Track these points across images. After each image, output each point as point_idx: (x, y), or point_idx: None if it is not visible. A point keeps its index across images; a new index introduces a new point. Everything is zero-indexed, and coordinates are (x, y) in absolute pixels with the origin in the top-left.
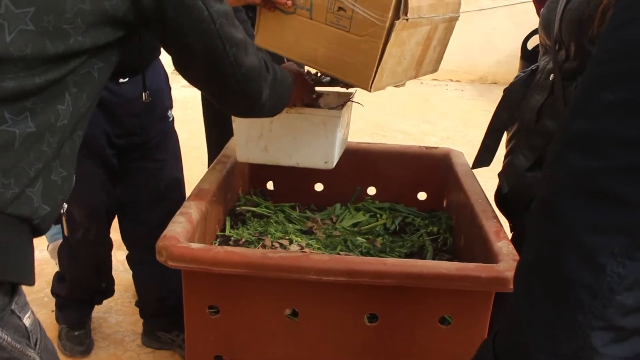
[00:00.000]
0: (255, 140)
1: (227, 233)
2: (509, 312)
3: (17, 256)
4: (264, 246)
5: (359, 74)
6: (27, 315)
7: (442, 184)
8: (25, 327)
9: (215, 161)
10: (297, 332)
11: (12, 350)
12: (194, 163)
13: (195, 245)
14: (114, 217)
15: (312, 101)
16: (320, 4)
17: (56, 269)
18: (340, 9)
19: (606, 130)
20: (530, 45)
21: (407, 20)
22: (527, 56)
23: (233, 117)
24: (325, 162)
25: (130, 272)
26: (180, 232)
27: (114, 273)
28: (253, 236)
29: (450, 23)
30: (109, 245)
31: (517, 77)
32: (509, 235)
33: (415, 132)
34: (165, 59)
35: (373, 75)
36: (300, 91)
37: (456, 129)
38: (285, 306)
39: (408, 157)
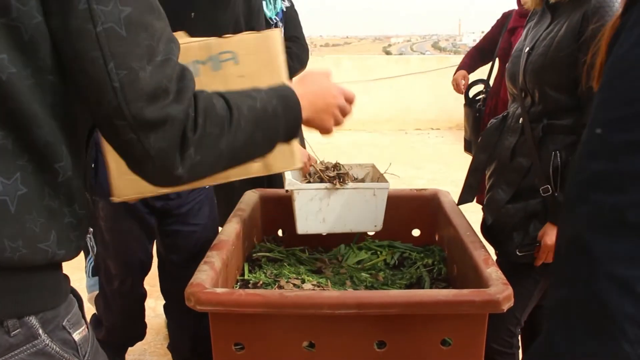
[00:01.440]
0: (314, 214)
1: (246, 277)
2: (544, 348)
3: (39, 288)
4: (279, 287)
5: None
6: (78, 331)
7: (433, 220)
8: (74, 341)
9: (231, 214)
10: None
11: (60, 358)
12: None
13: (219, 290)
14: (149, 271)
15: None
16: None
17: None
18: None
19: (628, 167)
20: (471, 94)
21: None
22: (470, 103)
23: (294, 196)
24: (375, 226)
25: (161, 317)
26: (206, 279)
27: (146, 319)
28: (269, 278)
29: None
30: (143, 296)
31: (490, 122)
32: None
33: (405, 176)
34: None
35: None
36: (329, 103)
37: (440, 171)
38: (303, 339)
39: (401, 199)
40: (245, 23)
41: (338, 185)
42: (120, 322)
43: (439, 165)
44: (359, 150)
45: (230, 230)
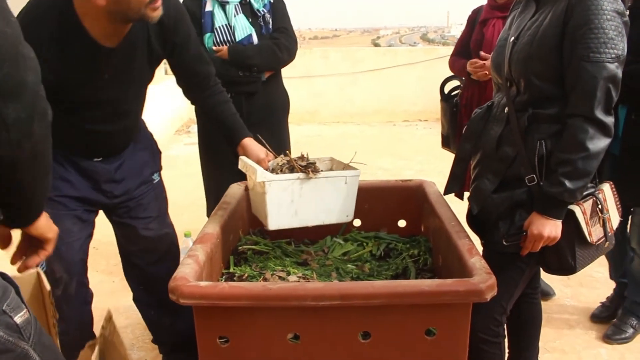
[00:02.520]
0: (286, 206)
1: (231, 270)
2: None
3: None
4: (265, 279)
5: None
6: (19, 315)
7: (418, 211)
8: (17, 324)
9: (216, 207)
10: (300, 353)
11: (5, 342)
12: (200, 211)
13: (203, 283)
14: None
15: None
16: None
17: None
18: None
19: None
20: (447, 89)
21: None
22: (446, 99)
23: (266, 188)
24: (347, 216)
25: None
26: (189, 273)
27: (132, 313)
28: (255, 271)
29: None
30: (88, 300)
31: (475, 112)
32: (480, 251)
33: (393, 167)
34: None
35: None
36: None
37: (428, 162)
38: (288, 331)
39: (387, 190)
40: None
41: (311, 175)
42: (69, 328)
43: (426, 156)
44: (346, 143)
45: (214, 224)
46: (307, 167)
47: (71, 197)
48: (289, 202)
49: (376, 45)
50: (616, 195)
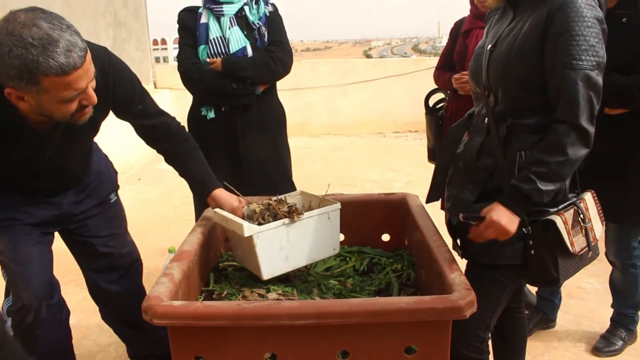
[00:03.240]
0: (277, 254)
1: (211, 288)
2: None
3: None
4: (244, 297)
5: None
6: None
7: (402, 225)
8: None
9: (196, 224)
10: None
11: None
12: (188, 226)
13: (177, 303)
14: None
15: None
16: None
17: None
18: None
19: None
20: (432, 102)
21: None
22: (431, 112)
23: (255, 242)
24: (334, 249)
25: None
26: (164, 292)
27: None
28: (234, 288)
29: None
30: (64, 322)
31: (456, 123)
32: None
33: (382, 179)
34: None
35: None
36: None
37: (417, 173)
38: (265, 350)
39: (370, 204)
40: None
41: (295, 218)
42: (48, 353)
43: (416, 167)
44: (336, 155)
45: (193, 241)
46: (291, 212)
47: (26, 224)
48: (278, 249)
49: (368, 56)
50: (598, 205)
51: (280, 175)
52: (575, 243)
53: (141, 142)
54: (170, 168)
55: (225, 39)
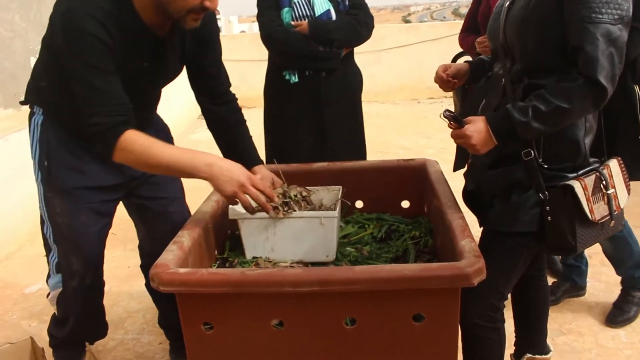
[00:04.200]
0: (262, 243)
1: (225, 255)
2: None
3: None
4: (257, 264)
5: None
6: None
7: (421, 191)
8: None
9: (211, 192)
10: (285, 340)
11: None
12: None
13: (182, 270)
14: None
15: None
16: None
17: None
18: None
19: None
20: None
21: None
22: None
23: (240, 225)
24: (327, 256)
25: None
26: (171, 260)
27: (145, 298)
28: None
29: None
30: (101, 292)
31: (477, 86)
32: (479, 229)
33: (415, 146)
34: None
35: None
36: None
37: (450, 140)
38: (271, 317)
39: (389, 171)
40: (193, 58)
41: (281, 215)
42: (81, 320)
43: (449, 133)
44: (370, 122)
45: (205, 209)
46: (280, 206)
47: (87, 188)
48: (264, 239)
49: (407, 22)
50: (625, 172)
51: (359, 143)
52: (596, 210)
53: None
54: (203, 138)
55: (309, 1)
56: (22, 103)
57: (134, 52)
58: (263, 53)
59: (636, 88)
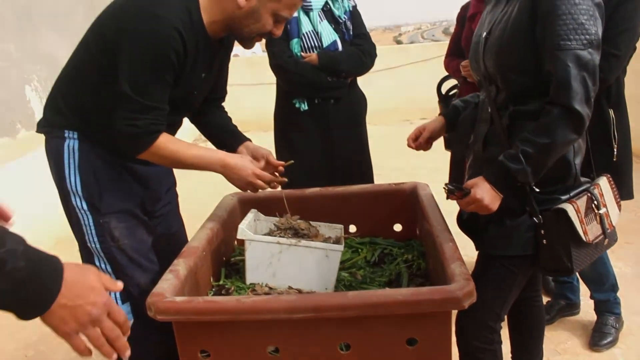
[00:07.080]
0: (265, 266)
1: (221, 282)
2: None
3: None
4: (253, 291)
5: None
6: None
7: (412, 214)
8: None
9: (206, 219)
10: None
11: None
12: None
13: (179, 298)
14: None
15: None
16: None
17: None
18: None
19: None
20: (444, 90)
21: None
22: (444, 100)
23: (246, 245)
24: (326, 288)
25: None
26: (167, 288)
27: None
28: (244, 283)
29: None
30: None
31: (463, 114)
32: (472, 251)
33: (407, 167)
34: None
35: None
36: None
37: (442, 159)
38: (267, 344)
39: (380, 195)
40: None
41: (291, 242)
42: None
43: (440, 154)
44: None
45: (201, 237)
46: (296, 234)
47: (138, 206)
48: (267, 264)
49: (398, 42)
50: (615, 189)
51: (365, 162)
52: (589, 232)
53: None
54: None
55: (317, 33)
56: (40, 131)
57: (197, 63)
58: (256, 77)
59: (611, 112)
